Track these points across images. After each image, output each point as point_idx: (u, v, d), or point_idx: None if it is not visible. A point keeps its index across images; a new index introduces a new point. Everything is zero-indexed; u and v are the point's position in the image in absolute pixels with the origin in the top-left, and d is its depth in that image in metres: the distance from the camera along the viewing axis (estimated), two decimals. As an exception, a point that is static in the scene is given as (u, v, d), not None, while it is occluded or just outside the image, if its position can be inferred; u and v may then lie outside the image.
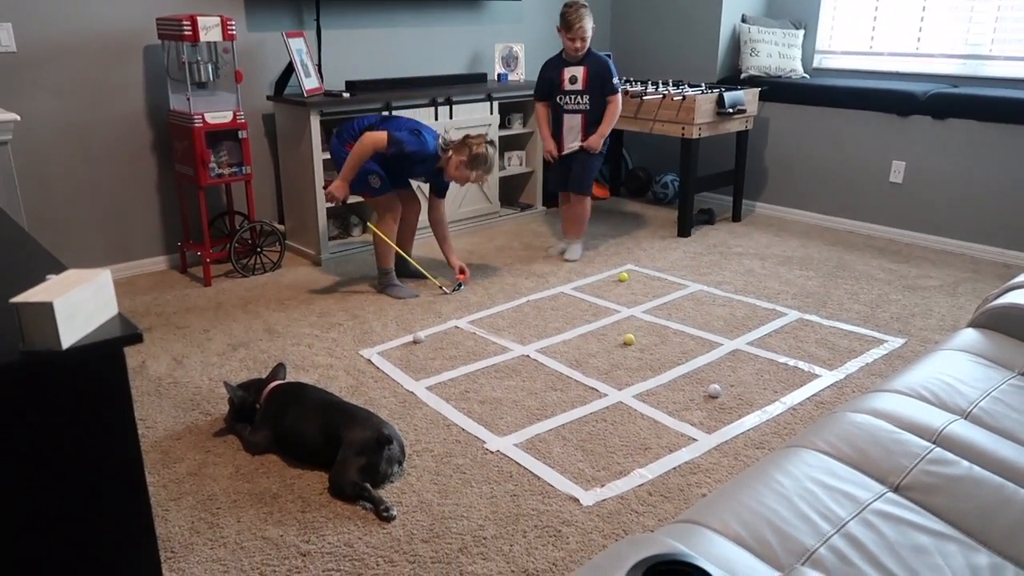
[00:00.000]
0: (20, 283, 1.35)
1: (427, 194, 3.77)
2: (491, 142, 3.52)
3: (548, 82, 3.99)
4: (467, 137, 3.50)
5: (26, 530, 1.29)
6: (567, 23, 3.81)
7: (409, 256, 3.83)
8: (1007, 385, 1.74)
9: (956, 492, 1.36)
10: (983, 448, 1.49)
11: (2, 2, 3.31)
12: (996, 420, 1.61)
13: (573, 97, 3.93)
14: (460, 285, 3.70)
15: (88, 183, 3.70)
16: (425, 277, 3.75)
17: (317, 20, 4.11)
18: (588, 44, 3.85)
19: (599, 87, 3.90)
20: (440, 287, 3.69)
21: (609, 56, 4.11)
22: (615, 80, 3.94)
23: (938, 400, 1.67)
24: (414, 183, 3.79)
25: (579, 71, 3.90)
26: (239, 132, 3.69)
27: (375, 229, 3.59)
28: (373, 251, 3.78)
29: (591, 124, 3.94)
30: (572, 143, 4.00)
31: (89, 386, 1.28)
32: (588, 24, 3.82)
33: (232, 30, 3.51)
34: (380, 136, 3.35)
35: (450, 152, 3.48)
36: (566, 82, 3.91)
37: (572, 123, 3.97)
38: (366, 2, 4.37)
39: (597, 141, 3.95)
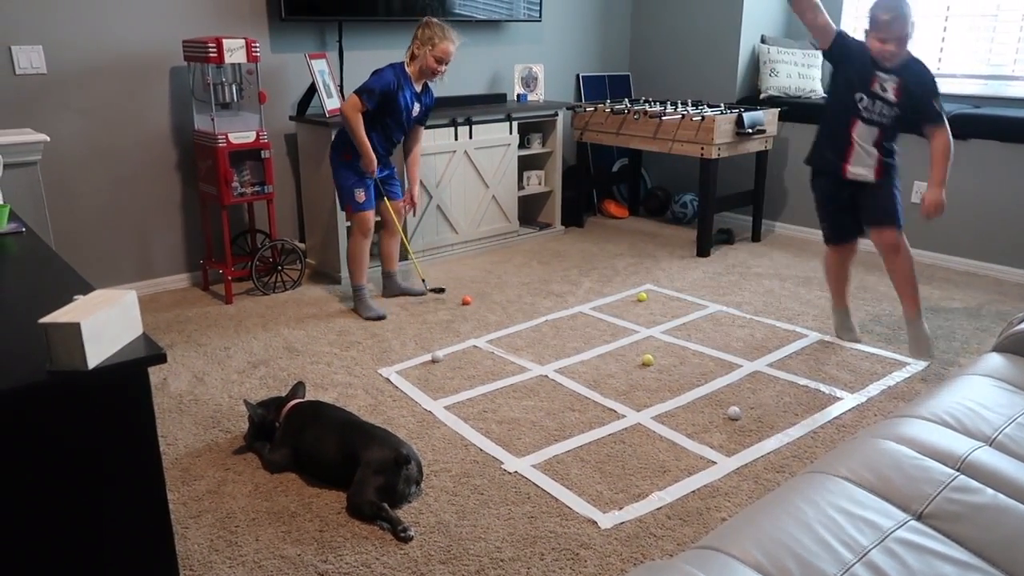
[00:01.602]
0: (48, 303, 1.37)
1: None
2: (427, 19, 3.46)
3: (854, 58, 3.03)
4: (413, 33, 3.50)
5: (49, 545, 1.30)
6: (876, 22, 2.93)
7: (393, 270, 3.90)
8: (1033, 411, 1.72)
9: (981, 521, 1.33)
10: (1008, 476, 1.46)
11: (33, 25, 3.39)
12: (1021, 447, 1.58)
13: (878, 104, 3.01)
14: (443, 289, 3.86)
15: (114, 201, 3.77)
16: (411, 258, 3.93)
17: (339, 42, 4.18)
18: (903, 50, 2.95)
19: (911, 105, 2.99)
20: (423, 280, 3.89)
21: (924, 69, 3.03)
22: (937, 105, 2.97)
23: (962, 426, 1.65)
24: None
25: (890, 82, 2.99)
26: (262, 152, 3.74)
27: (411, 255, 3.76)
28: (380, 270, 3.94)
29: (887, 143, 3.07)
30: (861, 165, 3.08)
31: (114, 405, 1.30)
32: (905, 26, 2.89)
33: (256, 52, 3.57)
34: (352, 100, 3.41)
35: (407, 62, 3.50)
36: (876, 83, 3.00)
37: (866, 135, 3.05)
38: (387, 24, 4.42)
39: (939, 196, 3.01)
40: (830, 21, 3.07)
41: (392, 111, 3.50)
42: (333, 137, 3.65)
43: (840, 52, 3.06)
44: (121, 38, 3.62)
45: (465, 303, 3.76)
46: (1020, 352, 2.01)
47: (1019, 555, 1.26)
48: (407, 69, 3.51)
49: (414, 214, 3.98)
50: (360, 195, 3.54)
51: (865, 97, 3.02)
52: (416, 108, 3.60)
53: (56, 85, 3.50)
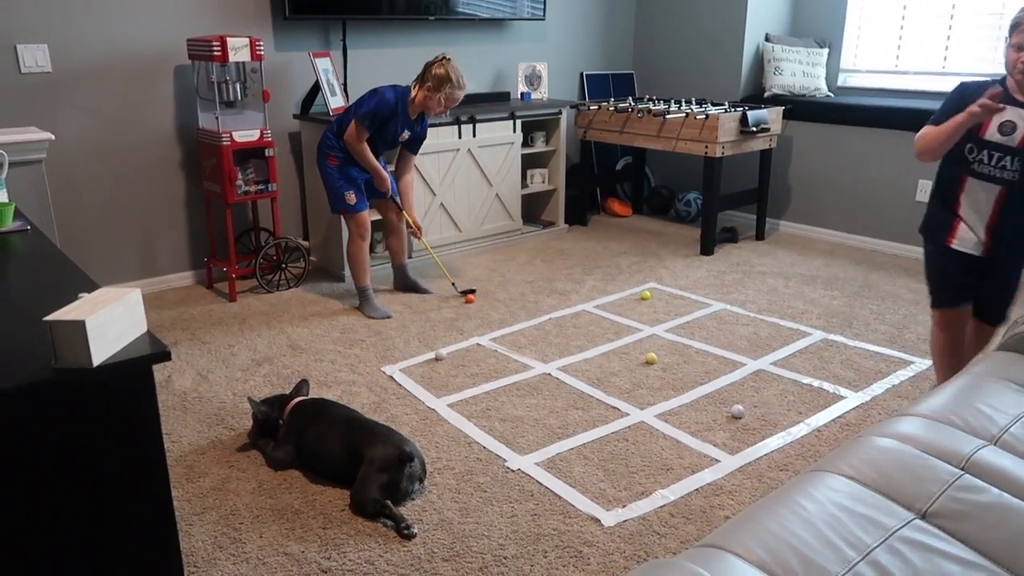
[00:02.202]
0: (53, 300, 1.38)
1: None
2: (447, 58, 3.43)
3: (959, 111, 2.25)
4: (426, 65, 3.48)
5: (54, 542, 1.31)
6: (1016, 24, 2.24)
7: (404, 262, 3.93)
8: (1038, 410, 1.71)
9: (985, 520, 1.33)
10: (1013, 475, 1.46)
11: (38, 24, 3.40)
12: (1026, 446, 1.58)
13: (996, 156, 2.28)
14: (473, 291, 3.85)
15: (118, 200, 3.78)
16: (438, 264, 3.98)
17: (343, 40, 4.18)
18: None
19: None
20: (452, 283, 3.93)
21: None
22: None
23: (966, 425, 1.65)
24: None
25: (1020, 121, 2.25)
26: (266, 150, 3.75)
27: (431, 250, 3.86)
28: (391, 264, 3.98)
29: (1012, 208, 2.30)
30: (968, 235, 2.38)
31: (118, 402, 1.31)
32: None
33: (260, 51, 3.58)
34: (353, 130, 3.43)
35: (415, 89, 3.50)
36: (990, 127, 2.28)
37: (981, 196, 2.33)
38: (391, 22, 4.43)
39: None
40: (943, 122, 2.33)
41: (381, 131, 3.51)
42: (319, 141, 3.63)
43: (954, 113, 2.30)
44: (126, 37, 3.63)
45: (469, 301, 3.77)
46: (1025, 351, 2.00)
47: None
48: (410, 95, 3.50)
49: (418, 238, 3.92)
50: (351, 196, 3.53)
51: (975, 147, 2.31)
52: (405, 134, 3.61)
53: (61, 84, 3.50)
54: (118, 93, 3.67)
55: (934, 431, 1.60)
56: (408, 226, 3.81)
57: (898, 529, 1.29)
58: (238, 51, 3.49)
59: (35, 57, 3.41)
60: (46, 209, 2.86)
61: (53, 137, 2.94)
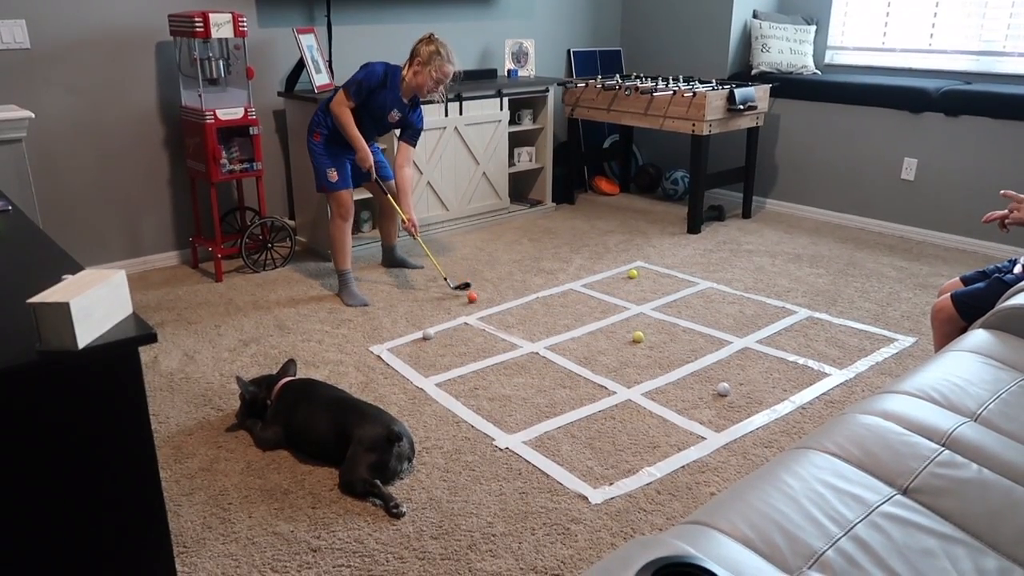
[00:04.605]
0: (37, 282, 1.37)
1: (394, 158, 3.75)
2: (433, 35, 3.42)
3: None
4: (413, 45, 3.45)
5: (43, 524, 1.31)
6: None
7: (393, 243, 3.94)
8: (1017, 387, 1.74)
9: (965, 495, 1.35)
10: (992, 451, 1.48)
11: (16, -1, 3.34)
12: (1006, 422, 1.61)
13: None
14: (468, 285, 3.68)
15: (101, 179, 3.73)
16: (432, 261, 3.88)
17: (328, 16, 4.12)
18: None
19: None
20: (444, 278, 3.75)
21: None
22: None
23: (947, 402, 1.67)
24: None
25: None
26: (250, 128, 3.71)
27: (424, 247, 3.81)
28: (381, 243, 3.98)
29: None
30: None
31: (104, 385, 1.30)
32: None
33: (243, 27, 3.53)
34: (339, 97, 3.39)
35: (405, 69, 3.46)
36: None
37: None
38: (377, -2, 4.37)
39: None
40: None
41: (369, 107, 3.46)
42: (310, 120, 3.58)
43: None
44: (106, 12, 3.56)
45: (471, 300, 3.56)
46: (1005, 328, 2.03)
47: (1003, 528, 1.28)
48: (401, 73, 3.46)
49: (414, 236, 3.77)
50: (332, 174, 3.49)
51: None
52: (395, 114, 3.53)
53: (40, 60, 3.44)
54: (99, 70, 3.61)
55: (915, 408, 1.63)
56: (402, 222, 3.73)
57: (880, 505, 1.31)
58: (221, 27, 3.44)
59: (12, 33, 3.35)
60: (27, 189, 2.83)
61: (33, 115, 2.89)
